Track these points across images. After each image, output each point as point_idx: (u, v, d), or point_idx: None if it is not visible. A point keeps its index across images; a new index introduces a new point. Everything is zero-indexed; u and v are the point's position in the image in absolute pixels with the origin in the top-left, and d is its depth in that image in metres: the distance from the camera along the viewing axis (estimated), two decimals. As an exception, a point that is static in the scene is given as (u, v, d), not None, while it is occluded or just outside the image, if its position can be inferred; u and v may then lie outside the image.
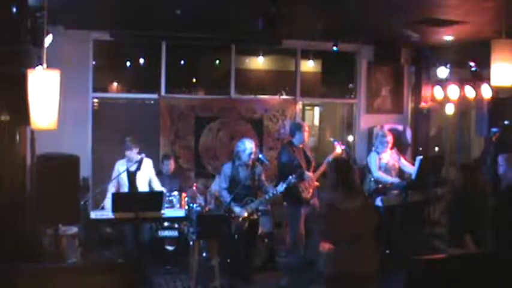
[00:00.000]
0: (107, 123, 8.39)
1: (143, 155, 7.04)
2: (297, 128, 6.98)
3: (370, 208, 4.83)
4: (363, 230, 4.57)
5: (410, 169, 7.25)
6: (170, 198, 7.08)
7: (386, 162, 7.30)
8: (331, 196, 4.64)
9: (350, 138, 9.63)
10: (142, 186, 7.05)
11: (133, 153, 6.92)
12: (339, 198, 4.58)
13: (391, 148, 7.38)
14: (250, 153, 6.67)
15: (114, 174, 7.04)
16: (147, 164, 7.11)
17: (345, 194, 4.59)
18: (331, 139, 7.34)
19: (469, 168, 5.46)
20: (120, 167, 7.02)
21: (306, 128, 6.98)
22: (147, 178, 7.09)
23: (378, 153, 7.32)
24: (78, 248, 6.80)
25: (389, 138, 7.35)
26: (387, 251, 6.97)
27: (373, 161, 7.30)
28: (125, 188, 6.99)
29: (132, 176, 7.00)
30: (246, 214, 6.60)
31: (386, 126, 8.71)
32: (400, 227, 7.00)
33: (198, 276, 6.35)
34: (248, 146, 6.69)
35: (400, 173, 7.46)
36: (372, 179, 7.28)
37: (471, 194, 5.21)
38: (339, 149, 7.06)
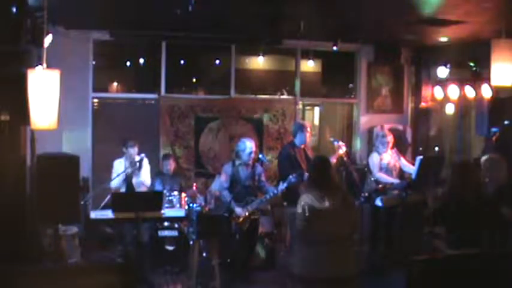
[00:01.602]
0: (107, 123, 8.38)
1: (143, 155, 7.06)
2: (298, 128, 6.97)
3: (350, 207, 4.73)
4: (341, 231, 4.51)
5: (411, 169, 7.24)
6: (170, 198, 7.08)
7: (387, 163, 7.29)
8: (308, 195, 4.60)
9: (350, 138, 9.62)
10: (140, 186, 7.08)
11: (134, 153, 6.96)
12: (316, 198, 4.53)
13: (392, 148, 7.38)
14: (251, 153, 6.67)
15: (114, 173, 7.06)
16: (145, 163, 7.14)
17: (322, 193, 4.53)
18: (331, 139, 7.33)
19: (463, 167, 5.43)
20: (119, 166, 7.04)
21: (308, 129, 6.97)
22: (145, 177, 7.13)
23: (379, 153, 7.31)
24: (78, 248, 6.80)
25: (390, 138, 7.35)
26: (387, 251, 6.99)
27: (374, 161, 7.30)
28: (123, 188, 7.02)
29: (128, 176, 7.02)
30: (246, 214, 6.60)
31: (387, 126, 8.71)
32: (400, 227, 7.00)
33: (198, 276, 6.34)
34: (248, 145, 6.69)
35: (400, 173, 7.46)
36: (373, 179, 7.28)
37: (465, 193, 5.19)
38: (340, 149, 7.04)
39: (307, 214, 4.50)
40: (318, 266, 4.47)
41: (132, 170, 7.02)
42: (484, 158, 5.54)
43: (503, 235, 5.11)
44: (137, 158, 6.99)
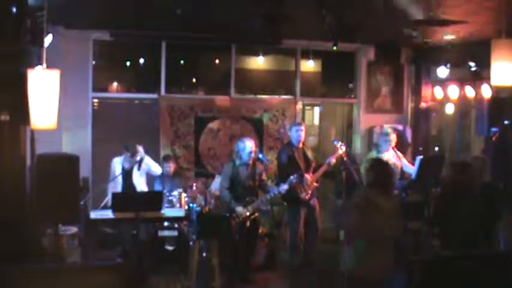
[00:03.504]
0: (107, 123, 8.38)
1: (143, 154, 7.07)
2: (292, 127, 7.07)
3: (399, 212, 4.82)
4: (389, 232, 4.58)
5: (411, 169, 7.25)
6: (170, 198, 7.09)
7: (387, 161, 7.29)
8: (366, 192, 4.69)
9: (350, 138, 9.62)
10: (139, 185, 7.07)
11: (136, 157, 6.99)
12: (373, 195, 4.61)
13: (394, 148, 7.39)
14: (250, 152, 6.67)
15: (112, 171, 7.08)
16: (147, 160, 7.16)
17: (379, 193, 4.62)
18: (333, 140, 7.36)
19: (459, 167, 5.43)
20: (117, 165, 7.05)
21: (302, 128, 7.00)
22: (144, 176, 7.13)
23: (380, 151, 7.32)
24: (78, 248, 6.79)
25: (393, 137, 7.36)
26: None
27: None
28: (119, 187, 7.03)
29: (128, 175, 7.03)
30: (247, 214, 6.60)
31: (386, 126, 8.73)
32: (400, 226, 7.00)
33: (198, 276, 6.34)
34: (248, 144, 6.70)
35: (401, 173, 7.45)
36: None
37: (460, 193, 5.19)
38: (340, 149, 7.05)
39: (365, 209, 4.57)
40: (369, 265, 4.52)
41: (130, 168, 7.03)
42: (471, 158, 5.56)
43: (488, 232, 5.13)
44: (137, 158, 7.00)
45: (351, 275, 4.64)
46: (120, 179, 7.06)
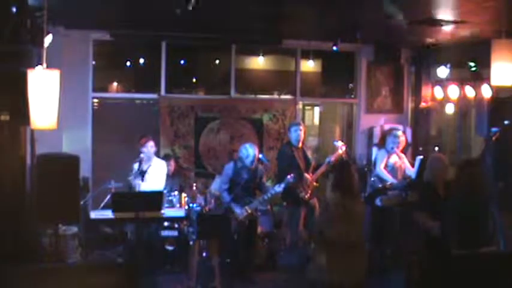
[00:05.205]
0: (107, 123, 8.38)
1: (142, 155, 7.06)
2: (291, 127, 7.07)
3: (362, 211, 4.75)
4: (358, 236, 4.51)
5: (412, 171, 7.27)
6: (170, 198, 7.08)
7: (394, 163, 7.32)
8: (329, 197, 4.60)
9: (350, 138, 9.63)
10: (148, 184, 7.04)
11: (148, 151, 6.96)
12: (337, 200, 4.52)
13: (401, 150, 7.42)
14: (253, 160, 6.65)
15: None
16: (157, 164, 7.10)
17: (344, 196, 4.53)
18: (334, 141, 7.38)
19: (469, 166, 5.43)
20: (135, 169, 7.07)
21: (301, 127, 7.01)
22: (154, 178, 7.06)
23: (388, 151, 7.34)
24: (78, 248, 6.80)
25: (403, 139, 7.39)
26: (387, 251, 6.99)
27: (380, 157, 7.33)
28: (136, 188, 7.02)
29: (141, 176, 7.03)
30: (246, 214, 6.60)
31: (386, 126, 8.73)
32: (400, 227, 7.01)
33: (198, 276, 6.34)
34: (251, 152, 6.66)
35: (404, 174, 7.46)
36: (373, 178, 7.28)
37: (470, 193, 5.19)
38: (339, 149, 7.07)
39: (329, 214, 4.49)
40: (336, 270, 4.46)
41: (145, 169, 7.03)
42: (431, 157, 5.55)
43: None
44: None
45: (320, 280, 4.58)
46: (136, 182, 7.05)
